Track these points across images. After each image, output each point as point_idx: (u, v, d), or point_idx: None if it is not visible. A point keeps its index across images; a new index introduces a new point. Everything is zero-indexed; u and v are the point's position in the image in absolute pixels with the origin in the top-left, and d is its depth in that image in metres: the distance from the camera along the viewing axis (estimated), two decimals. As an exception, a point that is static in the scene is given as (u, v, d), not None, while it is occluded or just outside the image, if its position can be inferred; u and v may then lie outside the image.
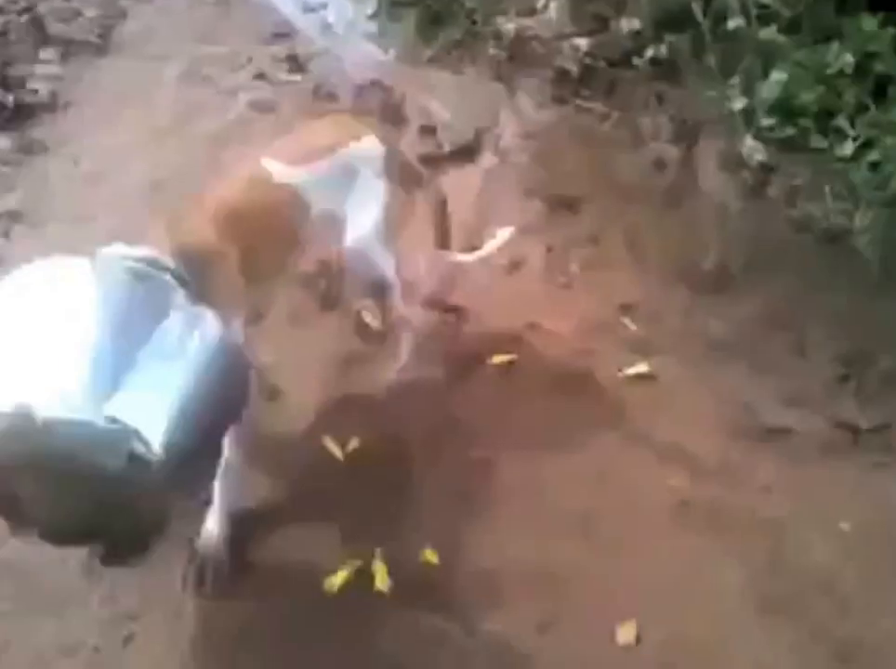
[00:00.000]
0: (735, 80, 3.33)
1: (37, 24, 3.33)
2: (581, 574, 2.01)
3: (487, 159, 3.18)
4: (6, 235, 2.71)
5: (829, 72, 3.25)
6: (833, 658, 1.90)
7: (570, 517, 2.12)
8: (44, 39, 3.29)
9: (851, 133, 3.16)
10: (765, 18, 3.39)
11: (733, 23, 3.39)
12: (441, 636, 1.90)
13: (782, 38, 3.33)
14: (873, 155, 3.08)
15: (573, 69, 3.53)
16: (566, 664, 1.86)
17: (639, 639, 1.89)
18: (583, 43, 3.54)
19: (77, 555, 1.95)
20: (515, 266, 2.82)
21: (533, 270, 2.80)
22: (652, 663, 1.87)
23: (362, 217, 2.18)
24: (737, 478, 2.23)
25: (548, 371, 2.47)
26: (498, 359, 2.50)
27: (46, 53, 3.27)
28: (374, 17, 3.81)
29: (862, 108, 3.18)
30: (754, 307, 2.71)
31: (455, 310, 2.64)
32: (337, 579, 2.00)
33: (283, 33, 3.55)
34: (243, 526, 2.06)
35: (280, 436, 2.28)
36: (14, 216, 2.74)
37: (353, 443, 2.28)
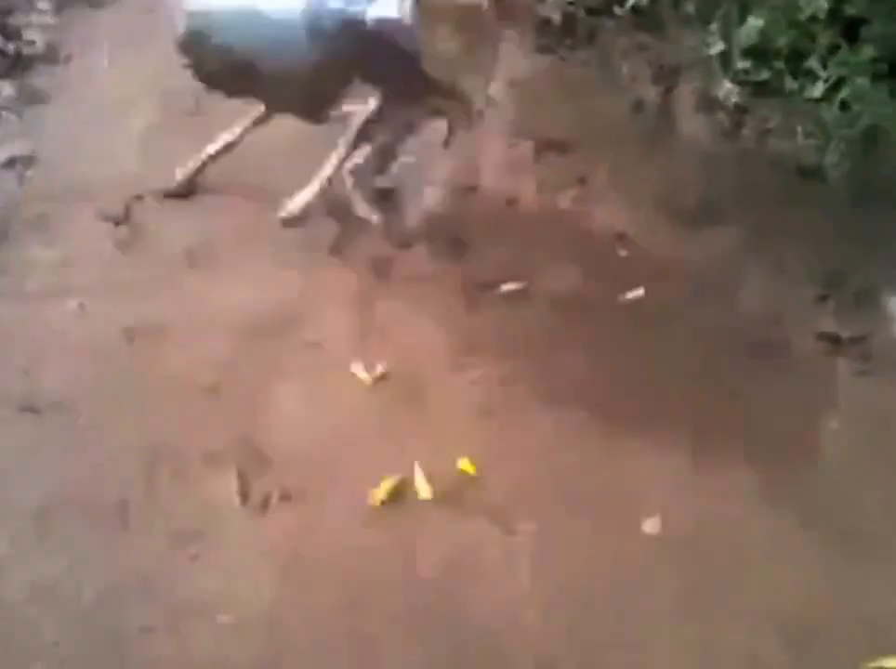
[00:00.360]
0: (713, 27, 3.50)
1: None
2: (605, 473, 2.19)
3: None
4: (20, 180, 2.77)
5: (802, 16, 3.43)
6: (832, 540, 2.12)
7: (587, 421, 2.30)
8: (38, -10, 3.30)
9: (823, 74, 3.35)
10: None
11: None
12: (484, 537, 2.07)
13: None
14: (843, 94, 3.28)
15: (556, 18, 3.66)
16: (601, 552, 2.04)
17: (663, 530, 2.09)
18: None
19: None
20: (510, 202, 2.96)
21: (526, 206, 2.95)
22: (675, 552, 2.07)
23: None
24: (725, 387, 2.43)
25: (554, 296, 2.64)
26: (506, 287, 2.65)
27: (42, 3, 3.28)
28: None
29: (833, 50, 3.37)
30: (734, 236, 2.91)
31: (462, 242, 2.77)
32: (381, 492, 2.15)
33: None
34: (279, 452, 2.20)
35: (309, 366, 2.41)
36: (26, 162, 2.80)
37: (379, 368, 2.42)
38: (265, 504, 2.15)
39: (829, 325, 2.68)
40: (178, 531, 2.08)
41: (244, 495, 2.17)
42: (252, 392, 2.35)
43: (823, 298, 2.77)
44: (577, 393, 2.39)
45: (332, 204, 2.76)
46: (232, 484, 2.18)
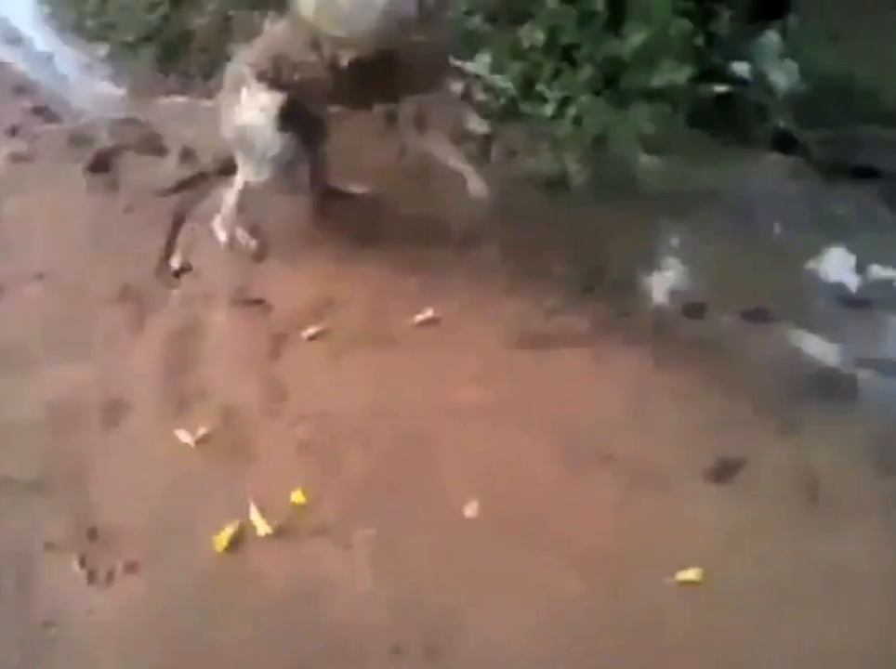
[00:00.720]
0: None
1: None
2: (418, 475, 2.45)
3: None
4: None
5: (525, 47, 3.87)
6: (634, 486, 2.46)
7: (396, 438, 2.56)
8: None
9: (551, 96, 3.80)
10: (467, 9, 3.97)
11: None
12: (324, 553, 2.27)
13: (486, 26, 3.92)
14: (572, 111, 3.74)
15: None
16: (431, 543, 2.29)
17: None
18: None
19: None
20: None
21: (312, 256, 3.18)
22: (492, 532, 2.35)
23: None
24: (523, 378, 2.75)
25: (353, 333, 2.88)
26: (308, 332, 2.88)
27: None
28: (108, 58, 4.04)
29: (557, 74, 3.83)
30: (498, 253, 3.25)
31: (259, 301, 2.98)
32: (223, 538, 2.31)
33: (26, 88, 3.68)
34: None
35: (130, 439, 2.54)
36: None
37: (202, 429, 2.58)
38: (110, 578, 2.25)
39: (601, 309, 3.05)
40: (32, 626, 2.15)
41: (90, 575, 2.27)
42: (79, 476, 2.45)
43: (588, 288, 3.16)
44: (383, 418, 2.62)
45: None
46: (75, 567, 2.27)
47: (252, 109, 2.84)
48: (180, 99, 3.72)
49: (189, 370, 2.75)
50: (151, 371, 2.76)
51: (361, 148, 3.54)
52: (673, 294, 3.16)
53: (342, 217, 3.27)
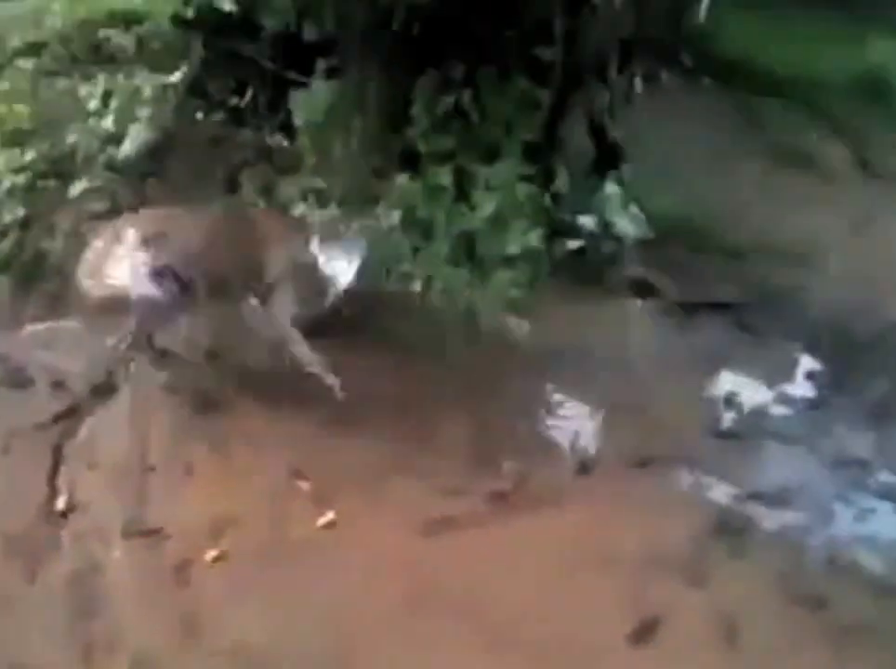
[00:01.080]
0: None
1: None
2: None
3: (126, 391, 3.43)
4: None
5: (383, 228, 4.03)
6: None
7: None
8: None
9: (416, 273, 3.94)
10: (322, 200, 4.12)
11: (299, 210, 4.08)
12: None
13: (337, 212, 4.07)
14: (440, 283, 3.88)
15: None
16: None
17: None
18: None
19: None
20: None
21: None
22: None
23: None
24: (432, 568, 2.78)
25: (256, 549, 2.84)
26: (210, 555, 2.82)
27: None
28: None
29: (416, 250, 3.99)
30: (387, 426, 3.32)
31: (155, 531, 2.91)
32: None
33: None
34: None
35: None
36: None
37: None
38: None
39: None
40: None
41: None
42: None
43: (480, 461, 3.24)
44: (300, 643, 2.60)
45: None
46: None
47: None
48: (42, 326, 3.65)
49: (92, 617, 2.64)
50: (51, 624, 2.62)
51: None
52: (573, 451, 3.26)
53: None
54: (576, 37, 3.98)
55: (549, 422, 3.48)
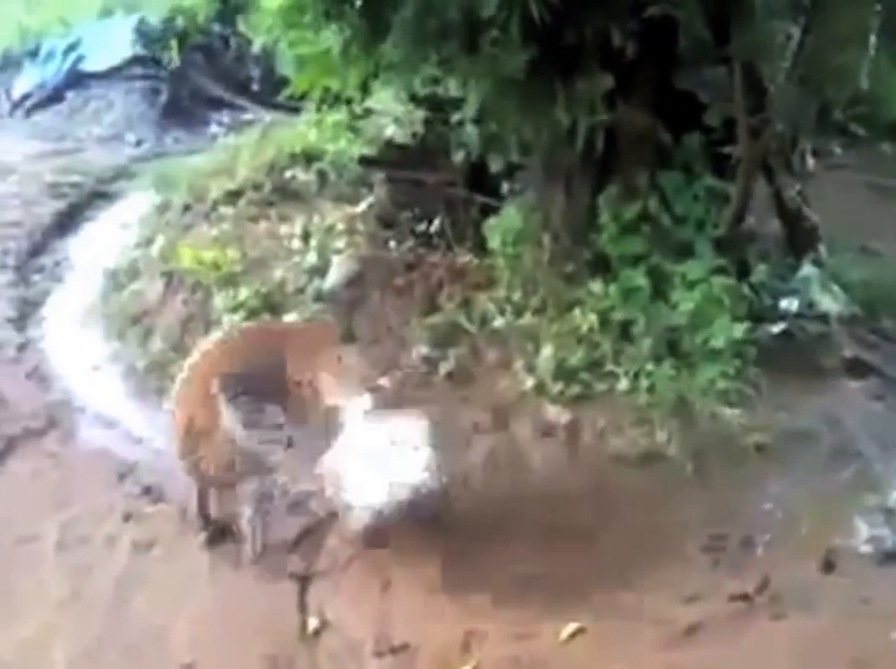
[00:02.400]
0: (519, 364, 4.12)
1: None
2: None
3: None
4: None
5: (582, 332, 4.13)
6: None
7: None
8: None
9: (620, 371, 4.00)
10: (517, 309, 4.27)
11: (498, 322, 4.24)
12: None
13: (538, 321, 4.21)
14: (645, 380, 3.92)
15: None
16: None
17: None
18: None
19: None
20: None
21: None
22: None
23: None
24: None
25: (505, 664, 2.88)
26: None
27: None
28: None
29: (618, 350, 4.05)
30: (619, 538, 3.32)
31: (404, 647, 3.00)
32: None
33: (127, 471, 3.88)
34: None
35: None
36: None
37: None
38: None
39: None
40: None
41: None
42: None
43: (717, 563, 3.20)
44: None
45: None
46: None
47: None
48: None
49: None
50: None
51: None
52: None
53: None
54: (760, 133, 4.03)
55: (782, 514, 3.38)
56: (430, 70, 4.43)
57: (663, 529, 3.34)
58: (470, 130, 4.45)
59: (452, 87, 4.55)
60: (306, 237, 5.07)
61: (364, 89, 4.84)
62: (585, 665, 2.87)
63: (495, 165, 4.49)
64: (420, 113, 5.37)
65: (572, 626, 2.98)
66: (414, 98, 5.30)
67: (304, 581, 3.27)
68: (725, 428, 3.73)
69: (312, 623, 3.12)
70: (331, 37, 4.31)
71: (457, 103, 4.72)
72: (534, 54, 3.88)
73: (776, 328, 4.10)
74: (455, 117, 4.60)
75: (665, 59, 4.24)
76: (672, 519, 3.38)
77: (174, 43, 8.11)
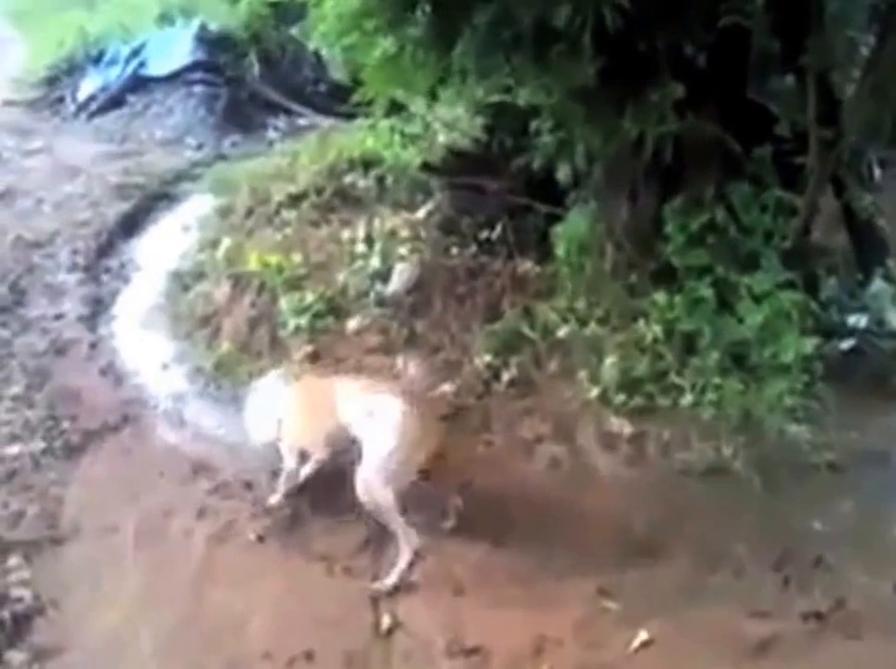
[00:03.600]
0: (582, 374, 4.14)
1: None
2: None
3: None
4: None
5: (646, 343, 4.14)
6: None
7: None
8: (4, 546, 3.61)
9: (686, 385, 4.00)
10: (581, 319, 4.29)
11: (562, 331, 4.26)
12: None
13: (602, 331, 4.22)
14: (711, 394, 3.92)
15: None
16: None
17: None
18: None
19: None
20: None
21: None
22: None
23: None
24: None
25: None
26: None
27: (11, 560, 3.54)
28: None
29: (683, 363, 4.06)
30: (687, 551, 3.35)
31: (476, 650, 3.04)
32: None
33: (201, 468, 3.97)
34: None
35: None
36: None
37: None
38: None
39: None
40: None
41: None
42: None
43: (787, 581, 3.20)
44: None
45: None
46: None
47: None
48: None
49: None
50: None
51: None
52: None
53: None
54: (832, 144, 4.01)
55: (854, 534, 3.37)
56: (500, 78, 4.48)
57: (731, 544, 3.34)
58: (545, 138, 4.45)
59: (522, 96, 4.57)
60: (368, 242, 5.10)
61: (432, 96, 4.90)
62: (654, 676, 2.88)
63: (562, 173, 4.50)
64: (480, 121, 5.44)
65: (641, 637, 3.00)
66: (476, 106, 5.36)
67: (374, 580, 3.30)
68: (793, 445, 3.73)
69: (385, 621, 3.16)
70: (396, 44, 4.34)
71: (520, 112, 4.79)
72: (605, 63, 3.90)
73: (845, 344, 4.08)
74: (527, 125, 4.61)
75: (736, 69, 4.23)
76: (741, 535, 3.38)
77: (234, 50, 8.24)
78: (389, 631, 3.14)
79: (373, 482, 3.30)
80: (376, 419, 3.40)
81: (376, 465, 3.32)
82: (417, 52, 4.35)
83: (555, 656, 2.98)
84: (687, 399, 3.97)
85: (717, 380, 3.96)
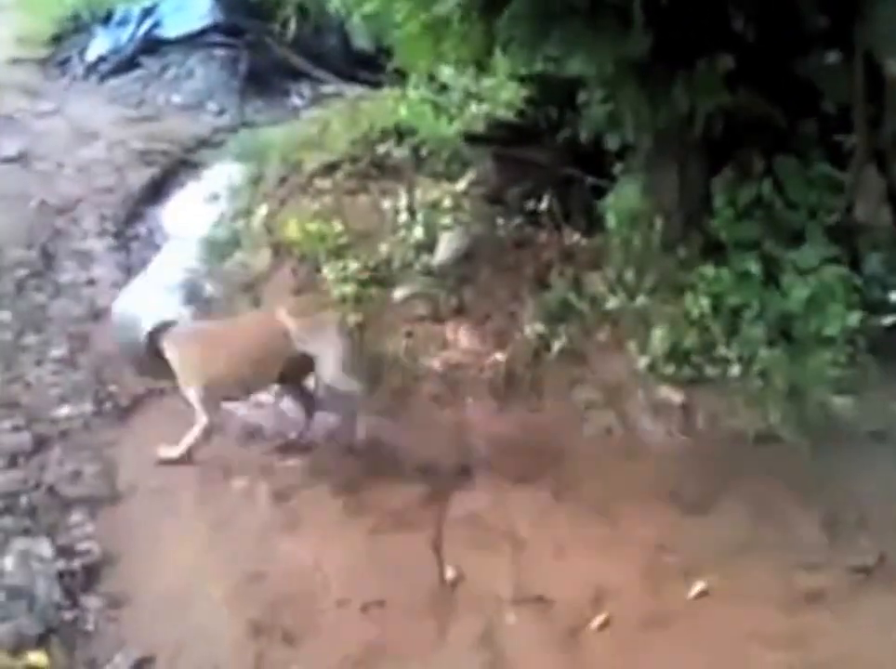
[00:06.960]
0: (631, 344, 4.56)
1: (52, 491, 4.03)
2: None
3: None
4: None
5: (693, 315, 4.55)
6: None
7: None
8: (66, 503, 3.99)
9: (733, 356, 4.42)
10: (630, 290, 4.71)
11: (611, 303, 4.67)
12: None
13: (650, 303, 4.64)
14: (758, 365, 4.34)
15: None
16: None
17: None
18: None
19: None
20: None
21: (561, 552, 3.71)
22: None
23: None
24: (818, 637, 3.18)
25: (635, 618, 3.35)
26: (594, 623, 3.34)
27: (74, 516, 3.94)
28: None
29: (731, 335, 4.47)
30: (739, 509, 3.77)
31: (540, 598, 3.46)
32: None
33: (255, 432, 4.39)
34: None
35: None
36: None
37: None
38: None
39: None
40: None
41: None
42: None
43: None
44: None
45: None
46: None
47: None
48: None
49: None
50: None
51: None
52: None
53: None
54: (878, 122, 4.42)
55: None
56: (548, 48, 4.85)
57: (780, 503, 3.77)
58: (594, 109, 4.83)
59: (569, 67, 4.95)
60: (411, 212, 5.49)
61: (479, 67, 5.27)
62: (711, 623, 3.31)
63: (612, 145, 4.89)
64: (524, 92, 5.83)
65: (698, 587, 3.42)
66: (518, 77, 5.74)
67: (438, 533, 3.72)
68: (837, 415, 4.14)
69: (449, 573, 3.57)
70: (441, 9, 4.63)
71: (565, 83, 5.18)
72: (656, 35, 4.27)
73: (887, 320, 4.48)
74: (572, 96, 4.99)
75: (784, 44, 4.62)
76: (789, 496, 3.81)
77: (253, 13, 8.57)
78: (454, 582, 3.55)
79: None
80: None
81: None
82: (463, 21, 4.69)
83: (616, 604, 3.40)
84: (734, 370, 4.39)
85: (763, 352, 4.37)
